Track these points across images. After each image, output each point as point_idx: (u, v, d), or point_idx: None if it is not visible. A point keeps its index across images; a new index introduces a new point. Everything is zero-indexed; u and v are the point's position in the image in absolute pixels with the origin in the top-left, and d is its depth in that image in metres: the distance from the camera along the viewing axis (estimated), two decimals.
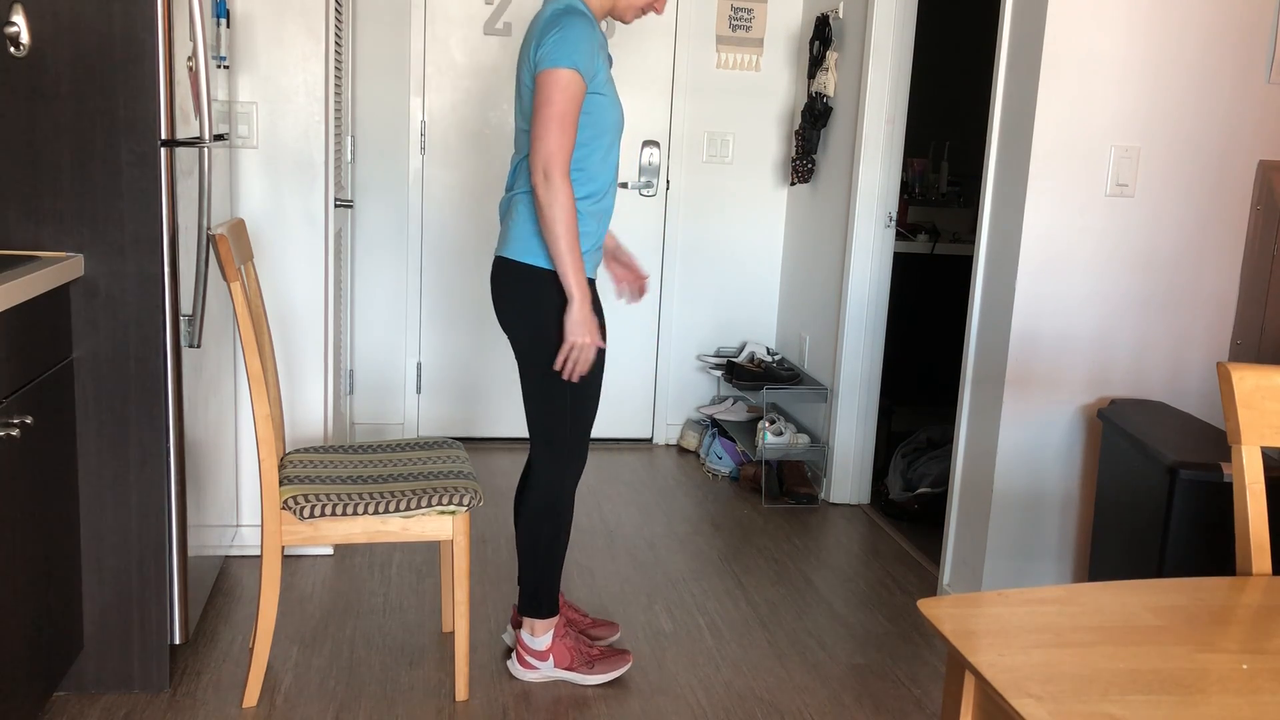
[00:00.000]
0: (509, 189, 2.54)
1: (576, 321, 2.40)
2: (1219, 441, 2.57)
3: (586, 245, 2.50)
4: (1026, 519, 2.99)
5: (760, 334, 4.79)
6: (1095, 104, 2.79)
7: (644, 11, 2.52)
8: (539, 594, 2.60)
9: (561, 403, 2.50)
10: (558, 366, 2.43)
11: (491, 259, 4.50)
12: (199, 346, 2.50)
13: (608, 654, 2.69)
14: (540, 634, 2.63)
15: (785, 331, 4.68)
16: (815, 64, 4.23)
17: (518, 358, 2.52)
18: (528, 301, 2.46)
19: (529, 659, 2.64)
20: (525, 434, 4.65)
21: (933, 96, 4.97)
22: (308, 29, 3.10)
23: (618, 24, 4.43)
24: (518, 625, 2.77)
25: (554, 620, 2.64)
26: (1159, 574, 2.46)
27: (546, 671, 2.65)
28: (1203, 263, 2.93)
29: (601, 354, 2.53)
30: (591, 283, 2.57)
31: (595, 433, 4.66)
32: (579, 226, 2.45)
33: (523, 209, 2.47)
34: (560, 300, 2.43)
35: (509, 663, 2.70)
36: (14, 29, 2.21)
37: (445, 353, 4.56)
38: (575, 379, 2.45)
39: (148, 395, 2.38)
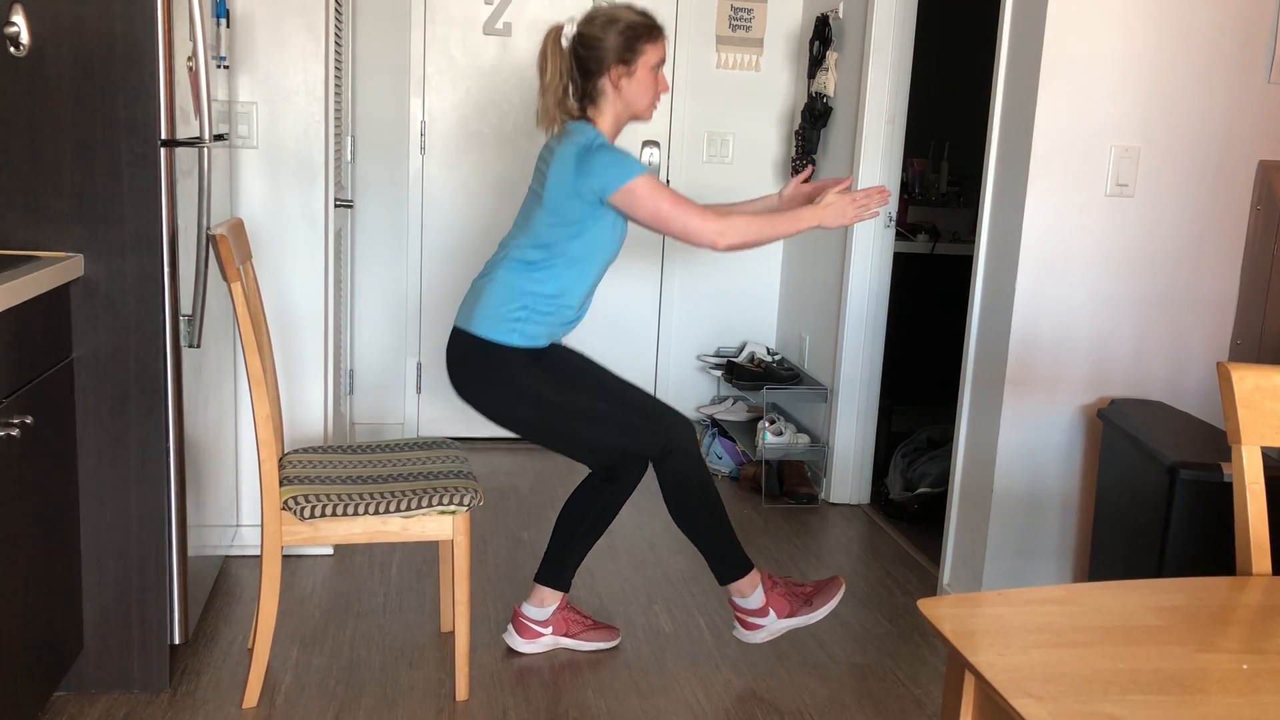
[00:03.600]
0: (486, 271, 2.62)
1: (835, 219, 2.50)
2: (1219, 441, 2.57)
3: (549, 331, 2.58)
4: (1026, 519, 2.99)
5: (760, 334, 4.79)
6: (1095, 104, 2.80)
7: (657, 100, 2.60)
8: (726, 557, 2.62)
9: (603, 415, 2.55)
10: (875, 214, 2.53)
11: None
12: (199, 346, 2.50)
13: (820, 586, 2.71)
14: (750, 592, 2.64)
15: (785, 331, 4.68)
16: (815, 64, 4.23)
17: (533, 427, 2.58)
18: (492, 373, 2.53)
19: (750, 620, 2.66)
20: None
21: (933, 96, 4.96)
22: (308, 29, 3.10)
23: None
24: (519, 628, 2.78)
25: (756, 575, 2.65)
26: (1159, 574, 2.46)
27: (772, 626, 2.66)
28: (1203, 263, 2.93)
29: (590, 373, 2.64)
30: (546, 350, 2.62)
31: None
32: (547, 317, 2.55)
33: (493, 289, 2.55)
34: (517, 366, 2.52)
35: (739, 633, 2.70)
36: (14, 29, 2.21)
37: (445, 353, 4.55)
38: (887, 199, 2.52)
39: (148, 395, 2.38)
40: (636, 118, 2.58)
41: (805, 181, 2.74)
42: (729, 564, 2.63)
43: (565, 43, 2.52)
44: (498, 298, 2.53)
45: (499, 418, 2.58)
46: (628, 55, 2.49)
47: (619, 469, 2.68)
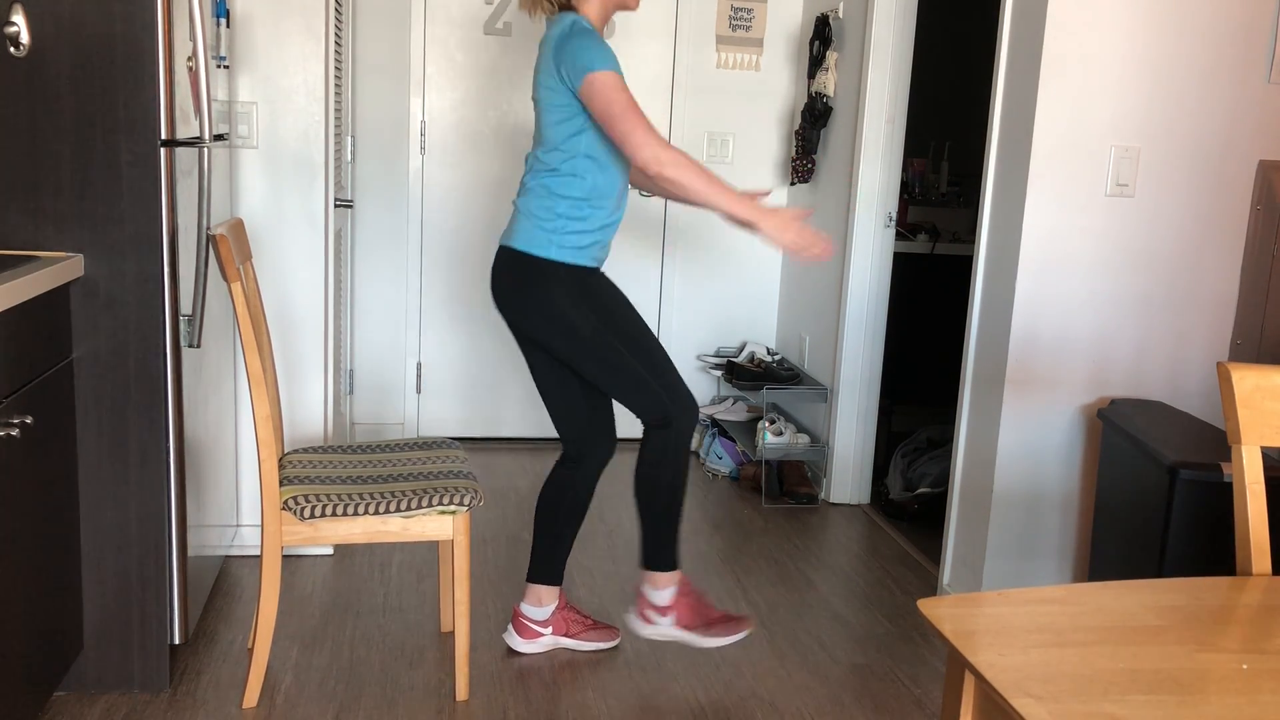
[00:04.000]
0: (519, 190, 2.59)
1: (774, 229, 2.39)
2: (1219, 441, 2.57)
3: (594, 240, 2.55)
4: (1026, 519, 2.99)
5: (760, 334, 4.79)
6: (1095, 104, 2.79)
7: None
8: (663, 546, 2.62)
9: (623, 358, 2.53)
10: (809, 258, 2.41)
11: (493, 255, 4.51)
12: (199, 346, 2.50)
13: (727, 618, 2.69)
14: (663, 588, 2.64)
15: (785, 331, 4.68)
16: (815, 64, 4.23)
17: (554, 351, 2.54)
18: (534, 289, 2.49)
19: (650, 613, 2.66)
20: (526, 434, 4.65)
21: (933, 96, 4.97)
22: (308, 29, 3.10)
23: (617, 25, 4.44)
24: (519, 628, 2.78)
25: (676, 575, 2.65)
26: (1159, 574, 2.46)
27: (665, 629, 2.66)
28: (1203, 263, 2.93)
29: (629, 320, 2.58)
30: (593, 270, 2.59)
31: None
32: (583, 223, 2.51)
33: (527, 204, 2.53)
34: (558, 285, 2.50)
35: (631, 619, 2.72)
36: (14, 29, 2.21)
37: (445, 353, 4.56)
38: (828, 255, 2.42)
39: (148, 395, 2.38)
40: (623, 6, 2.55)
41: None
42: (662, 553, 2.63)
43: None
44: (532, 211, 2.52)
45: (526, 340, 2.55)
46: None
47: (584, 451, 2.67)
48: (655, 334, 2.68)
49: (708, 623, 2.67)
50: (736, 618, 2.70)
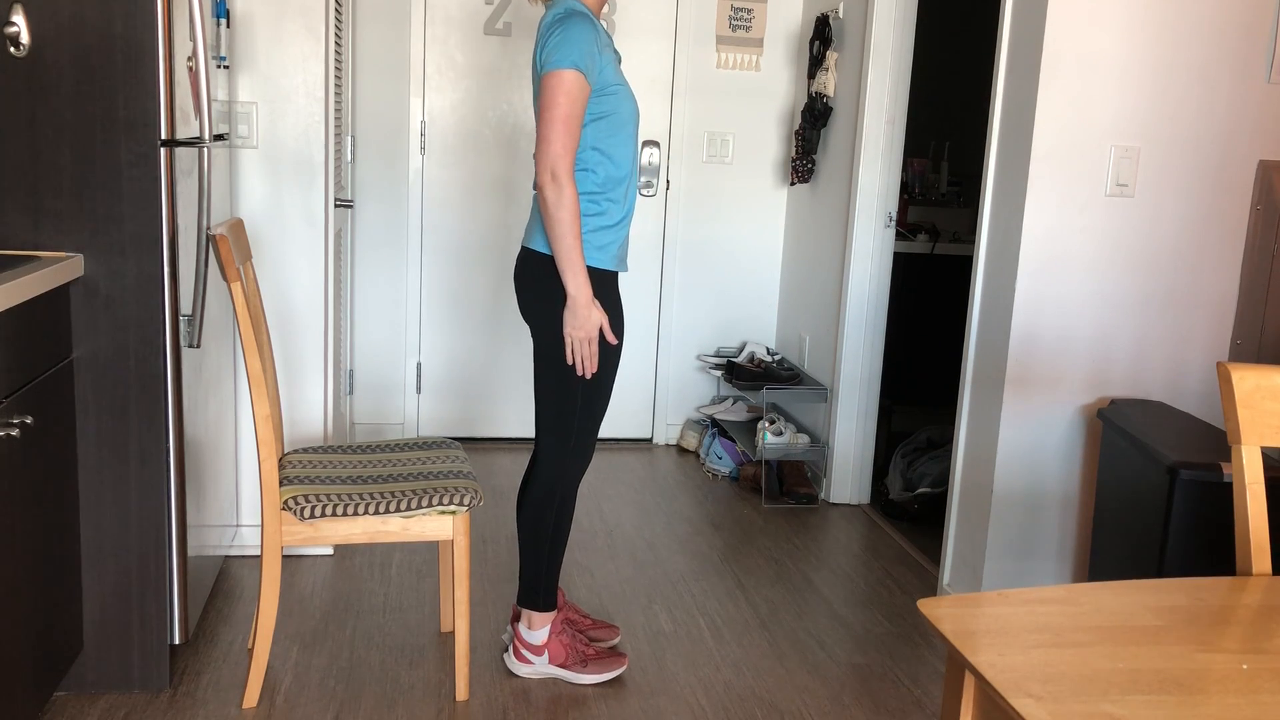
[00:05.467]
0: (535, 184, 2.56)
1: (572, 315, 2.41)
2: (1219, 441, 2.57)
3: (615, 237, 2.51)
4: (1026, 519, 2.99)
5: (760, 334, 4.79)
6: (1095, 104, 2.79)
7: None
8: (537, 586, 2.61)
9: (573, 396, 2.51)
10: (570, 362, 2.45)
11: (495, 255, 4.51)
12: (199, 346, 2.50)
13: (603, 654, 2.69)
14: (537, 627, 2.63)
15: (785, 331, 4.68)
16: (815, 64, 4.23)
17: (535, 347, 2.54)
18: (548, 293, 2.47)
19: (524, 653, 2.65)
20: (526, 434, 4.65)
21: (933, 96, 4.97)
22: (308, 29, 3.10)
23: (617, 24, 4.44)
24: (517, 620, 2.77)
25: (551, 615, 2.64)
26: (1159, 574, 2.46)
27: (540, 667, 2.65)
28: (1203, 263, 2.93)
29: (617, 350, 2.54)
30: (615, 276, 2.55)
31: None
32: (602, 218, 2.49)
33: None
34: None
35: (505, 656, 2.71)
36: (14, 29, 2.21)
37: (445, 353, 4.56)
38: (587, 375, 2.46)
39: (148, 395, 2.38)
40: None
41: None
42: (538, 592, 2.61)
43: None
44: None
45: (540, 342, 2.50)
46: None
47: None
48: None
49: (583, 660, 2.66)
50: (612, 655, 2.70)
